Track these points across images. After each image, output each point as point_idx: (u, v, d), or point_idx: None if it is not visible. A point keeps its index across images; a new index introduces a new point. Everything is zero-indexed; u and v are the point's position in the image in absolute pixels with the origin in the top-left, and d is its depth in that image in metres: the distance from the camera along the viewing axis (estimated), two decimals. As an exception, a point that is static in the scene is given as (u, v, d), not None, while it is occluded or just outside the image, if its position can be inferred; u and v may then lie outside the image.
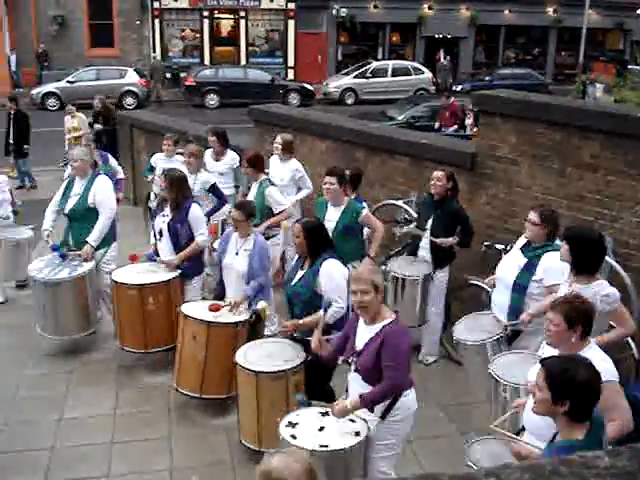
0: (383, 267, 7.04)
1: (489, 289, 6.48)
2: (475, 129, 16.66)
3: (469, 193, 7.61)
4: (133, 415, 6.53)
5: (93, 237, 7.43)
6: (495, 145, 7.41)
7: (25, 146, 14.96)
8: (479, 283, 6.83)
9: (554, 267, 5.35)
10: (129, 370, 7.25)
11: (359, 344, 4.64)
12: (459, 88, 28.96)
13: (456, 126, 17.34)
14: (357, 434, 4.52)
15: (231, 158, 9.21)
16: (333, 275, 5.49)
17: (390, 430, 4.61)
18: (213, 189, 8.50)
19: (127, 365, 7.29)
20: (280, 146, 8.60)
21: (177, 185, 7.05)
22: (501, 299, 5.80)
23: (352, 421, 4.61)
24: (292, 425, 4.67)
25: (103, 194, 7.52)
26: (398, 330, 4.54)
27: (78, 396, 6.84)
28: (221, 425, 6.30)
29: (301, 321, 5.56)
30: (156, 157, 9.85)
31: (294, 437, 4.52)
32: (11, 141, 15.05)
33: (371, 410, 4.58)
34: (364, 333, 4.63)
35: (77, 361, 7.48)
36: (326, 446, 4.41)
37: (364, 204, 7.30)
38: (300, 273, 5.67)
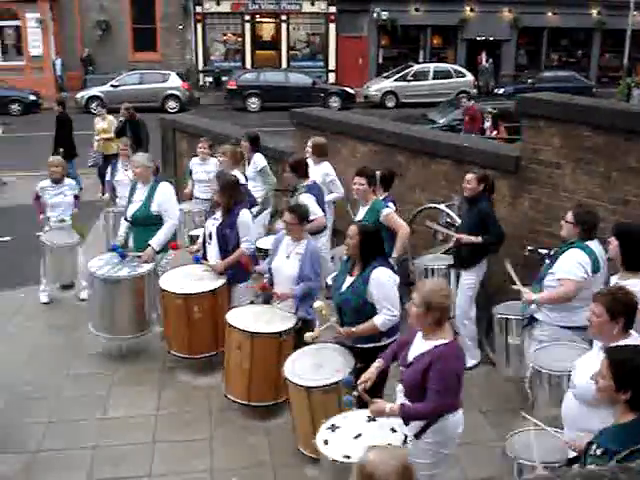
0: (412, 263, 7.22)
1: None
2: (494, 132, 16.31)
3: (512, 197, 7.54)
4: (175, 416, 6.59)
5: (156, 241, 7.52)
6: (539, 149, 7.32)
7: (60, 149, 15.16)
8: (519, 287, 6.73)
9: (567, 262, 5.57)
10: (172, 371, 7.32)
11: (411, 356, 4.54)
12: (501, 91, 28.65)
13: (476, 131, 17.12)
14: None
15: (254, 162, 9.20)
16: (384, 283, 5.37)
17: (427, 450, 4.48)
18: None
19: (170, 366, 7.35)
20: (310, 149, 8.62)
21: (229, 189, 7.05)
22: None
23: (393, 431, 4.55)
24: (333, 428, 4.66)
25: (167, 202, 7.64)
26: (450, 353, 4.36)
27: (121, 395, 6.92)
28: (262, 427, 6.32)
29: (354, 329, 5.46)
30: (193, 161, 9.96)
31: (326, 442, 4.53)
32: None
33: (405, 424, 4.49)
34: (418, 346, 4.52)
35: (121, 361, 7.58)
36: (349, 457, 4.37)
37: (390, 205, 7.26)
38: (349, 280, 5.56)
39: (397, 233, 7.03)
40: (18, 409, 6.67)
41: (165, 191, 7.70)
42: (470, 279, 7.10)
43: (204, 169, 9.43)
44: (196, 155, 10.05)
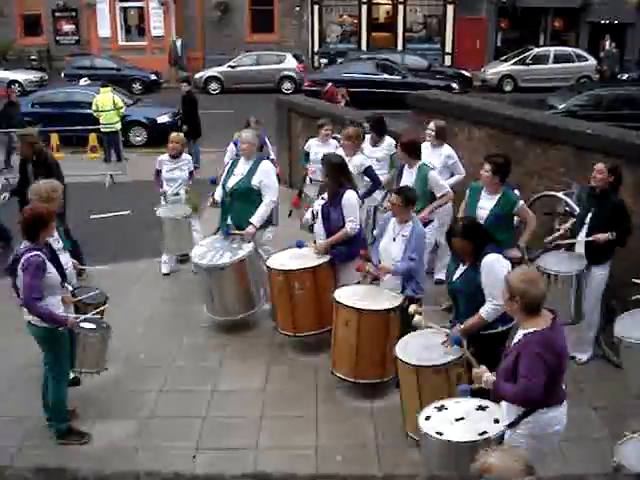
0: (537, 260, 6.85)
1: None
2: None
3: (637, 187, 7.21)
4: (282, 392, 6.70)
5: (256, 218, 7.65)
6: (668, 136, 6.99)
7: (184, 127, 15.67)
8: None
9: None
10: (281, 348, 7.44)
11: (511, 345, 4.55)
12: (625, 76, 27.46)
13: None
14: (481, 434, 4.41)
15: (388, 144, 9.17)
16: (494, 269, 5.28)
17: (520, 442, 4.39)
18: (368, 172, 8.49)
19: (279, 342, 7.47)
20: (433, 132, 8.49)
21: (336, 170, 7.10)
22: None
23: (496, 422, 4.50)
24: (440, 409, 4.68)
25: (268, 178, 7.74)
26: (541, 341, 4.27)
27: (231, 369, 7.11)
28: (368, 408, 6.35)
29: (462, 326, 5.43)
30: (310, 142, 9.94)
31: (428, 418, 4.59)
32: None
33: (494, 400, 4.50)
34: (517, 335, 4.51)
35: (232, 335, 7.76)
36: (440, 434, 4.45)
37: (517, 193, 7.08)
38: (461, 269, 5.53)
39: (527, 222, 6.90)
40: (133, 377, 6.96)
41: (267, 168, 7.81)
42: (601, 274, 6.80)
43: (324, 150, 9.44)
44: (313, 136, 10.08)
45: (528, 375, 4.23)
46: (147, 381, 6.89)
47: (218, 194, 8.00)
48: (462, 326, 5.44)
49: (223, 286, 7.57)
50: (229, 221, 7.83)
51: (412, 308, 5.75)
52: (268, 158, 9.98)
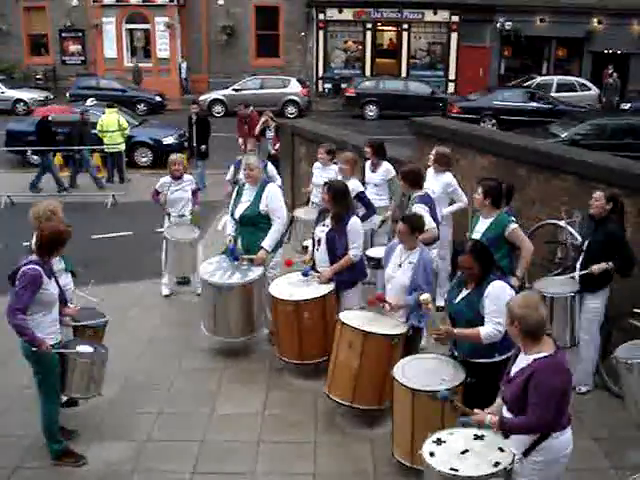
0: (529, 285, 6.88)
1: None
2: (278, 144, 14.42)
3: (638, 216, 7.22)
4: (281, 417, 6.65)
5: (268, 242, 7.63)
6: (670, 167, 7.00)
7: (202, 146, 16.08)
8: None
9: None
10: (280, 372, 7.40)
11: (512, 372, 4.52)
12: (627, 106, 27.56)
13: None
14: (495, 465, 4.34)
15: (385, 170, 9.19)
16: (499, 296, 5.26)
17: (533, 470, 4.39)
18: (360, 197, 8.49)
19: (278, 367, 7.43)
20: (434, 158, 8.52)
21: (339, 197, 7.09)
22: None
23: (501, 450, 4.45)
24: (438, 442, 4.60)
25: (275, 201, 7.74)
26: (551, 365, 4.28)
27: (230, 393, 7.06)
28: (367, 435, 6.30)
29: (456, 330, 5.43)
30: (315, 166, 9.97)
31: (432, 454, 4.48)
32: (194, 144, 16.31)
33: (506, 437, 4.42)
34: (520, 361, 4.49)
35: (232, 359, 7.73)
36: (456, 470, 4.31)
37: (510, 217, 7.07)
38: (464, 292, 5.52)
39: (521, 249, 6.86)
40: (131, 399, 6.91)
41: (273, 191, 7.80)
42: (596, 303, 6.79)
43: (325, 174, 9.46)
44: (314, 160, 10.11)
45: (541, 402, 4.22)
46: (145, 403, 6.84)
47: (230, 228, 7.99)
48: (456, 330, 5.42)
49: (229, 306, 7.52)
50: (239, 245, 7.82)
51: (424, 296, 5.77)
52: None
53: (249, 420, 6.58)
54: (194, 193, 9.55)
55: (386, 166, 9.22)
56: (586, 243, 6.81)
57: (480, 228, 6.86)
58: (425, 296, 5.76)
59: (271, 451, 6.14)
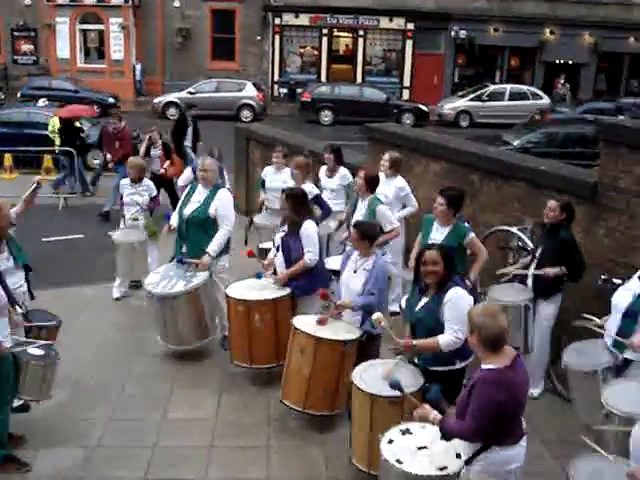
0: (483, 293, 6.95)
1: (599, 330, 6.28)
2: (167, 163, 12.82)
3: (588, 224, 7.36)
4: (233, 421, 6.61)
5: (213, 247, 7.56)
6: (618, 176, 7.14)
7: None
8: (587, 324, 6.59)
9: None
10: (233, 377, 7.35)
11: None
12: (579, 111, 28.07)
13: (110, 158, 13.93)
14: (441, 469, 4.41)
15: (342, 175, 9.25)
16: (458, 304, 5.29)
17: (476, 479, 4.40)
18: (316, 200, 8.54)
19: (232, 372, 7.37)
20: (388, 163, 8.58)
21: (297, 202, 7.08)
22: (612, 325, 5.65)
23: (458, 456, 4.49)
24: (404, 432, 4.69)
25: (225, 207, 7.68)
26: (494, 379, 4.19)
27: (182, 397, 7.00)
28: (320, 440, 6.30)
29: (415, 342, 5.43)
30: (266, 170, 9.97)
31: (390, 442, 4.57)
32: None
33: (444, 437, 4.43)
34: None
35: (184, 363, 7.66)
36: (400, 463, 4.45)
37: (467, 226, 7.17)
38: (423, 300, 5.51)
39: (476, 255, 6.98)
40: (81, 404, 6.80)
41: (224, 197, 7.74)
42: (549, 309, 6.90)
43: (279, 178, 9.46)
44: (269, 164, 10.10)
45: (476, 412, 4.20)
46: (95, 408, 6.74)
47: (174, 219, 7.94)
48: (414, 342, 5.42)
49: (176, 315, 7.46)
50: (184, 249, 7.75)
51: (375, 316, 5.69)
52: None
53: (201, 425, 6.52)
54: (153, 199, 9.49)
55: (343, 171, 9.28)
56: (539, 250, 6.92)
57: (437, 236, 6.88)
58: (376, 315, 5.69)
59: (224, 456, 6.10)
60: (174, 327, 7.53)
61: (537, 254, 6.94)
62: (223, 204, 7.67)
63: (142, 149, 12.90)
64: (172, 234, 8.03)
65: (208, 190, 7.72)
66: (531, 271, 6.91)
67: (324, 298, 6.53)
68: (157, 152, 12.85)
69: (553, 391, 7.18)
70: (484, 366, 4.29)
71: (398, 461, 4.46)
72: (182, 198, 7.95)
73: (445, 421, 4.43)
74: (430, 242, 6.79)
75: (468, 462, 4.40)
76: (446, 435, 4.43)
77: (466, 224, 7.14)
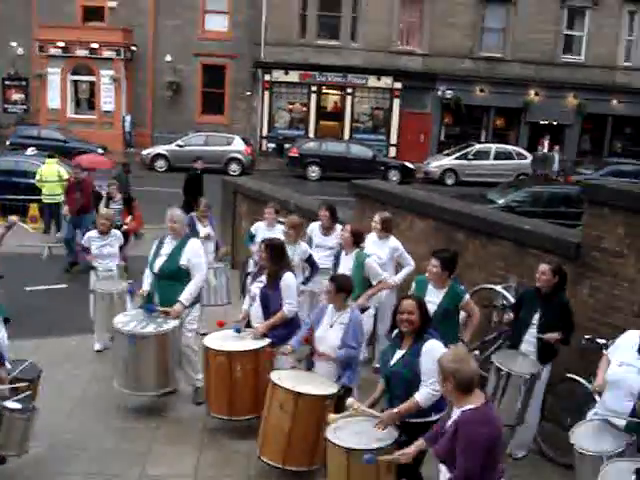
0: (476, 352, 6.87)
1: (588, 385, 6.24)
2: (128, 218, 13.18)
3: (571, 283, 7.37)
4: (213, 478, 6.49)
5: (185, 296, 7.53)
6: (602, 236, 7.21)
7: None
8: (577, 378, 6.57)
9: None
10: (213, 433, 7.24)
11: (447, 425, 4.54)
12: (557, 173, 28.43)
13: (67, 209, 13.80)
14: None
15: (339, 233, 9.21)
16: (435, 356, 5.13)
17: None
18: (309, 259, 8.56)
19: (212, 427, 7.28)
20: (379, 225, 8.54)
21: (276, 254, 7.12)
22: (622, 406, 5.41)
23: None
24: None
25: (196, 256, 7.67)
26: (475, 417, 4.31)
27: (161, 453, 6.87)
28: (300, 499, 6.19)
29: (395, 410, 5.37)
30: (257, 225, 9.95)
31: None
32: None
33: None
34: (453, 416, 4.52)
35: (163, 418, 7.54)
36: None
37: (462, 288, 7.16)
38: (399, 353, 5.49)
39: (472, 317, 6.95)
40: (58, 457, 6.66)
41: (194, 246, 7.73)
42: (547, 374, 6.82)
43: (270, 235, 9.45)
44: (256, 218, 10.11)
45: (466, 453, 4.25)
46: (72, 463, 6.59)
47: (147, 284, 7.86)
48: (395, 410, 5.37)
49: (142, 357, 7.32)
50: (156, 300, 7.70)
51: (350, 402, 5.64)
52: (215, 242, 10.11)
53: (180, 482, 6.40)
54: (121, 248, 9.53)
55: (340, 229, 9.24)
56: (536, 316, 6.77)
57: (433, 299, 6.75)
58: (350, 401, 5.67)
59: (202, 515, 5.98)
60: (136, 370, 7.37)
61: (534, 321, 6.79)
62: (194, 254, 7.66)
63: (102, 204, 12.96)
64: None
65: (177, 241, 7.71)
66: (531, 336, 6.76)
67: (307, 343, 6.49)
68: (118, 206, 12.90)
69: (538, 452, 7.10)
70: (463, 408, 4.37)
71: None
72: (152, 252, 7.91)
73: None
74: (427, 305, 6.71)
75: None
76: None
77: (461, 286, 7.10)
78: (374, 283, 7.79)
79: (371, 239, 8.51)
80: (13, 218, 7.55)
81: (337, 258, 8.15)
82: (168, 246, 7.73)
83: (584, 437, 5.43)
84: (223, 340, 7.10)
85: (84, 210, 13.46)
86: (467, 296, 6.95)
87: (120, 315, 7.79)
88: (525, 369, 6.51)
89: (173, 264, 7.58)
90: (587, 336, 6.78)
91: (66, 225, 12.72)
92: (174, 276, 7.59)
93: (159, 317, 7.52)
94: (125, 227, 12.35)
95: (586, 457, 5.33)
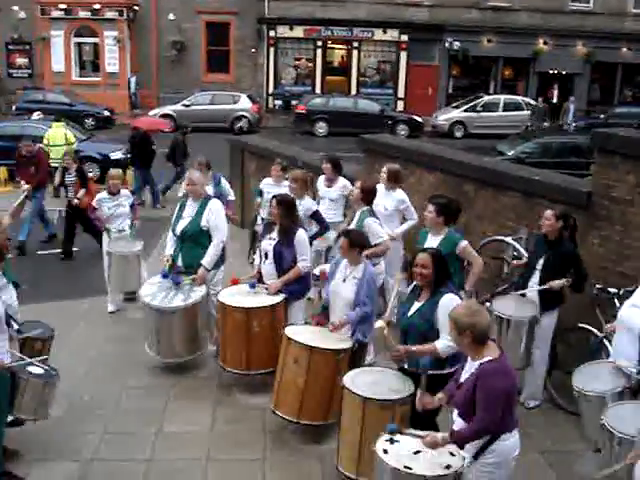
0: (487, 304, 6.87)
1: (599, 334, 6.25)
2: (82, 191, 11.54)
3: (582, 233, 7.34)
4: (229, 434, 6.58)
5: (207, 260, 7.55)
6: (612, 185, 7.15)
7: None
8: (589, 327, 6.58)
9: None
10: (228, 389, 7.32)
11: (463, 378, 4.61)
12: (573, 125, 28.15)
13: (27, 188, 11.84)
14: (447, 467, 4.40)
15: (343, 185, 9.21)
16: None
17: (483, 473, 4.49)
18: (314, 216, 8.52)
19: (226, 384, 7.36)
20: (386, 175, 8.54)
21: (287, 210, 7.12)
22: (628, 348, 5.49)
23: (452, 454, 4.49)
24: (392, 441, 4.63)
25: (217, 217, 7.66)
26: (496, 369, 4.39)
27: (177, 411, 6.96)
28: (316, 451, 6.26)
29: (414, 347, 5.41)
30: (265, 182, 9.95)
31: (385, 451, 4.52)
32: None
33: (461, 448, 4.49)
34: (468, 368, 4.59)
35: (178, 376, 7.61)
36: (410, 469, 4.37)
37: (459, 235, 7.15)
38: (416, 305, 5.52)
39: (471, 265, 6.97)
40: (76, 418, 6.75)
41: (215, 207, 7.72)
42: (550, 321, 6.84)
43: (277, 191, 9.44)
44: (265, 176, 10.09)
45: (487, 404, 4.33)
46: (90, 423, 6.69)
47: (170, 247, 7.88)
48: (413, 348, 5.41)
49: (172, 328, 7.41)
50: (179, 262, 7.72)
51: (378, 324, 5.72)
52: (227, 200, 10.06)
53: (197, 438, 6.48)
54: (132, 207, 9.51)
55: (343, 182, 9.24)
56: (540, 262, 6.81)
57: (430, 245, 6.79)
58: (379, 324, 5.71)
59: (219, 469, 6.05)
60: (168, 340, 7.48)
61: (538, 266, 6.82)
62: (215, 214, 7.66)
63: (57, 177, 12.04)
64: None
65: (198, 203, 7.71)
66: (534, 284, 6.81)
67: (319, 324, 6.51)
68: (72, 179, 11.87)
69: (550, 401, 7.14)
70: (481, 360, 4.44)
71: (407, 467, 4.41)
72: (174, 215, 7.93)
73: (455, 434, 4.50)
74: None
75: (477, 456, 4.47)
76: (463, 443, 4.49)
77: (458, 234, 7.08)
78: (373, 243, 7.71)
79: (380, 190, 8.50)
80: (27, 186, 7.49)
81: (353, 216, 8.12)
82: (190, 208, 7.73)
83: (584, 378, 5.60)
84: (239, 296, 7.13)
85: (42, 184, 12.78)
86: (464, 242, 6.92)
87: (146, 285, 7.81)
88: (524, 313, 6.62)
89: (195, 225, 7.60)
90: (598, 285, 6.79)
91: (34, 201, 12.32)
92: (197, 238, 7.61)
93: (186, 284, 7.53)
94: (76, 202, 11.46)
95: (582, 396, 5.53)
